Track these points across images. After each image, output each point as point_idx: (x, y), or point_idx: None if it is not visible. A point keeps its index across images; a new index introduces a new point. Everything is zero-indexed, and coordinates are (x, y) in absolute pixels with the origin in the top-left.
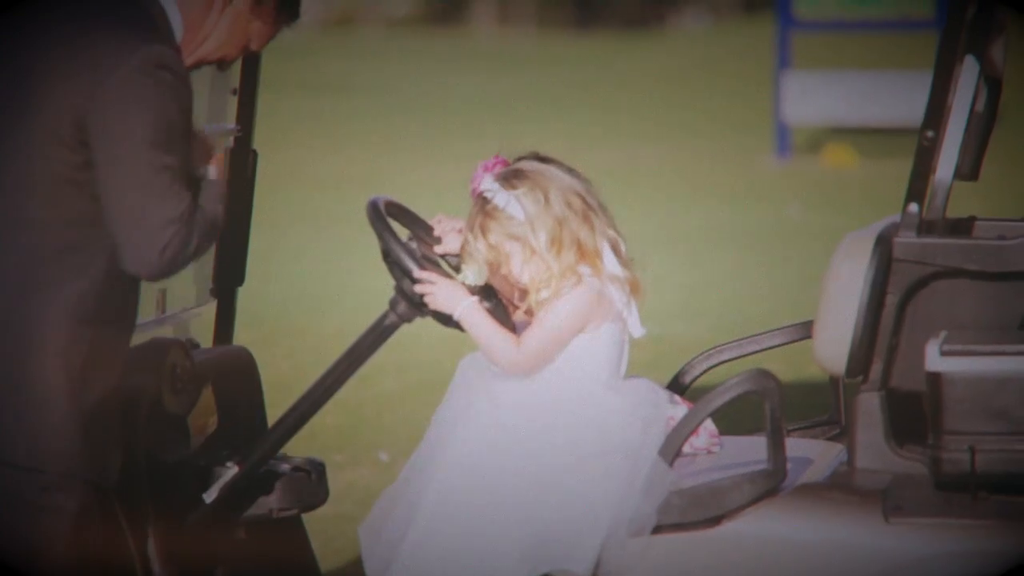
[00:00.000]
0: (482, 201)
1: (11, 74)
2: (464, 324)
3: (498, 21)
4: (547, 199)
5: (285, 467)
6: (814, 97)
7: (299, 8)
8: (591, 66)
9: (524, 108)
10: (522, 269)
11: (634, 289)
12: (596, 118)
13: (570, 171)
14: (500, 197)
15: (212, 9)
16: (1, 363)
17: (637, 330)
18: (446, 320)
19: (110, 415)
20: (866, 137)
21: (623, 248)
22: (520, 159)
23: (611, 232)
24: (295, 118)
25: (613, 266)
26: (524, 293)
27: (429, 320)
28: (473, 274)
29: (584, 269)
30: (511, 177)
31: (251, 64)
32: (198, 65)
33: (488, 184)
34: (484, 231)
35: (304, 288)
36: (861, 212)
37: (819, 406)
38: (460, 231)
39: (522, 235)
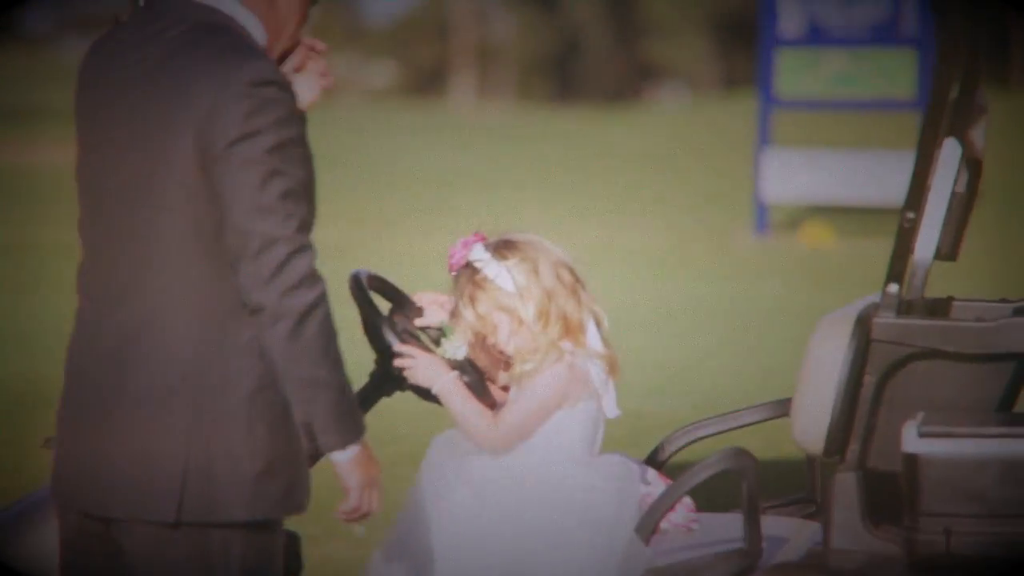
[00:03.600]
0: (472, 271)
1: (122, 125)
2: (442, 399)
3: (477, 93)
4: (537, 271)
5: None
6: (793, 175)
7: None
8: (569, 140)
9: (501, 182)
10: (509, 340)
11: (612, 368)
12: (574, 193)
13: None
14: (491, 268)
15: (279, 6)
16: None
17: (612, 411)
18: (425, 394)
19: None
20: (844, 216)
21: (605, 324)
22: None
23: (596, 308)
24: None
25: (596, 342)
26: (508, 367)
27: (408, 394)
28: (453, 348)
29: (567, 344)
30: (502, 247)
31: None
32: (282, 62)
33: (479, 254)
34: (473, 301)
35: None
36: (839, 290)
37: (795, 484)
38: (442, 305)
39: (511, 306)
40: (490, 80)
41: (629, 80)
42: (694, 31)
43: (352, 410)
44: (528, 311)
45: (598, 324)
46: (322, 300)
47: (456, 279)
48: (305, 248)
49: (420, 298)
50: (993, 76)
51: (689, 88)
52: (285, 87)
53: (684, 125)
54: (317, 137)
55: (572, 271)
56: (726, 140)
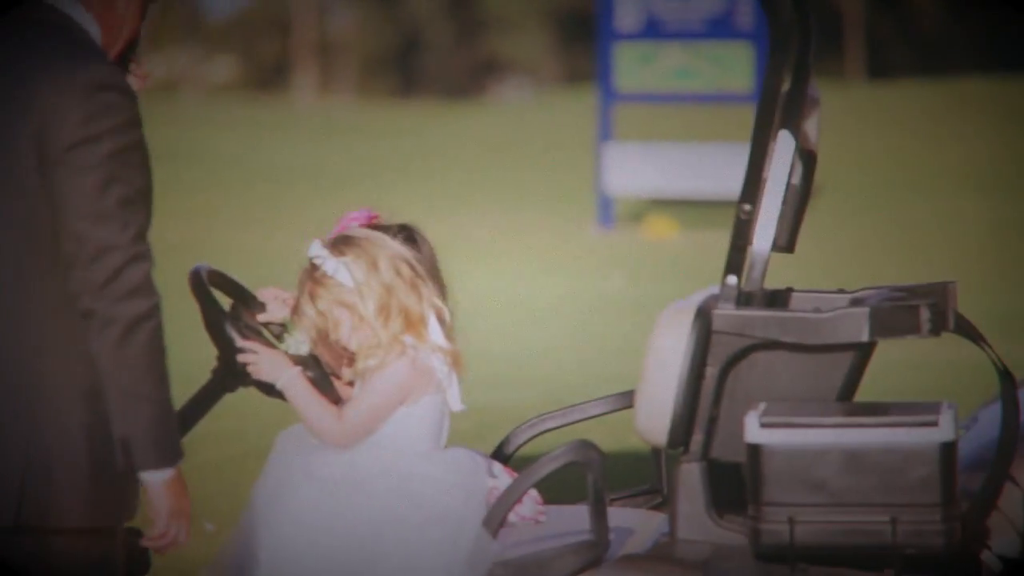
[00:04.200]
0: (311, 268)
1: None
2: (286, 394)
3: (319, 88)
4: (375, 266)
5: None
6: (635, 168)
7: None
8: (412, 135)
9: (345, 177)
10: (350, 336)
11: (456, 362)
12: (417, 188)
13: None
14: (329, 264)
15: (117, 5)
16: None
17: (456, 404)
18: (269, 390)
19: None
20: (687, 208)
21: (448, 319)
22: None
23: (437, 302)
24: None
25: (438, 336)
26: (351, 362)
27: (252, 389)
28: (296, 343)
29: (409, 339)
30: (340, 244)
31: None
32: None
33: (317, 250)
34: (313, 297)
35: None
36: (682, 282)
37: (642, 475)
38: (284, 300)
39: (351, 302)
40: (332, 75)
41: (472, 75)
42: (536, 26)
43: (172, 432)
44: (368, 307)
45: (440, 319)
46: (154, 312)
47: (299, 279)
48: (142, 257)
49: (262, 294)
50: (829, 69)
51: (532, 83)
52: (126, 91)
53: (527, 120)
54: (158, 132)
55: (411, 265)
56: (569, 134)
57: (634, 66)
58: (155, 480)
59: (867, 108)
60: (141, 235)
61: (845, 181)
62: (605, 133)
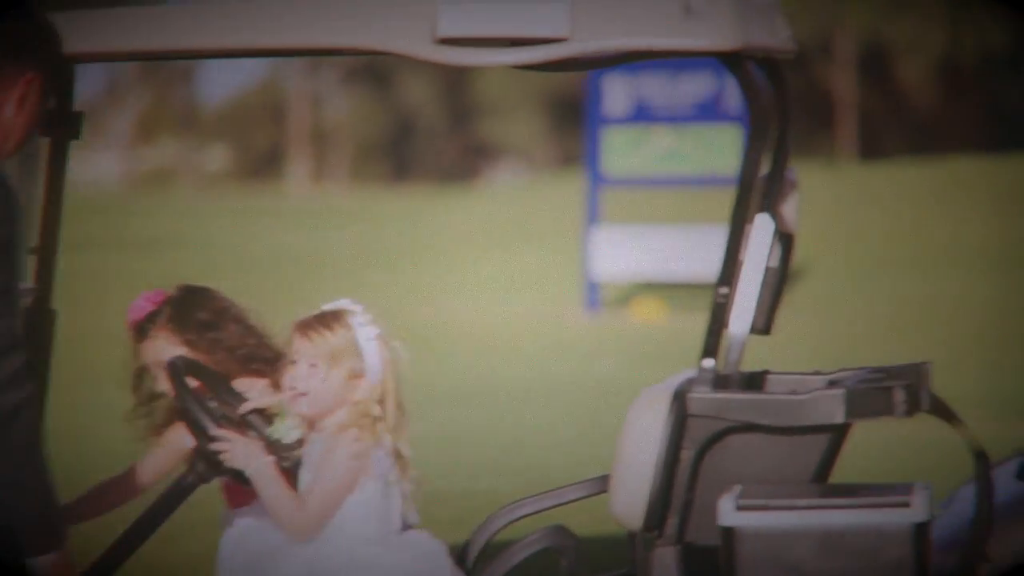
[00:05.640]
0: (341, 315)
1: None
2: (254, 483)
3: (313, 176)
4: (394, 362)
5: None
6: (623, 252)
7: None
8: (405, 221)
9: (338, 264)
10: (319, 392)
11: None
12: (407, 273)
13: None
14: (365, 331)
15: (3, 114)
16: None
17: (413, 517)
18: (241, 477)
19: None
20: (675, 291)
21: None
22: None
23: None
24: (103, 276)
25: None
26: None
27: None
28: (286, 429)
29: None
30: (377, 324)
31: (50, 222)
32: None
33: (361, 312)
34: (330, 330)
35: (109, 447)
36: (670, 365)
37: (619, 559)
38: (270, 388)
39: (356, 370)
40: (326, 162)
41: (466, 160)
42: (529, 110)
43: (54, 516)
44: (364, 387)
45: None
46: (28, 403)
47: (314, 330)
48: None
49: (239, 383)
50: (820, 150)
51: (526, 167)
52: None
53: (519, 204)
54: (152, 222)
55: (399, 386)
56: (559, 218)
57: (623, 150)
58: (42, 565)
59: (858, 189)
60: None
61: (835, 261)
62: (593, 217)
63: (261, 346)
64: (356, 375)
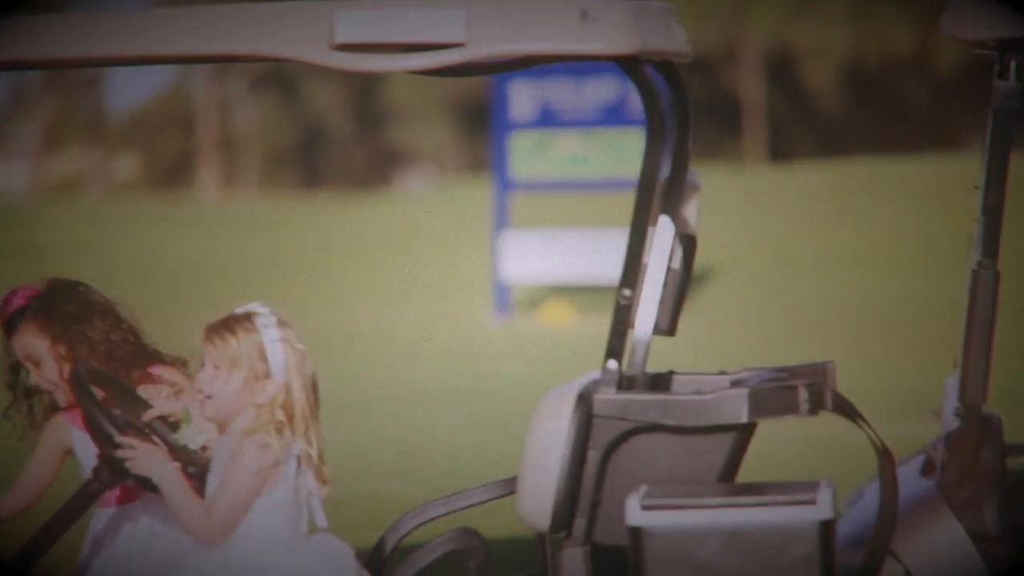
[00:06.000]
0: (246, 316)
1: None
2: (161, 489)
3: (223, 184)
4: (302, 363)
5: None
6: (531, 256)
7: None
8: (314, 228)
9: (247, 271)
10: (223, 394)
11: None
12: (317, 279)
13: None
14: (270, 332)
15: None
16: None
17: (321, 520)
18: (146, 483)
19: None
20: (583, 294)
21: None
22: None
23: (314, 438)
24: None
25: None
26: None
27: None
28: (192, 434)
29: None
30: (287, 326)
31: None
32: None
33: (266, 311)
34: (223, 339)
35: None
36: (579, 367)
37: (527, 561)
38: (175, 394)
39: (259, 372)
40: (235, 170)
41: (376, 166)
42: (439, 116)
43: None
44: (269, 389)
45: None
46: None
47: (217, 334)
48: None
49: (145, 390)
50: (729, 153)
51: (437, 173)
52: None
53: (428, 210)
54: (60, 231)
55: (316, 390)
56: (468, 223)
57: (530, 154)
58: None
59: (766, 191)
60: None
61: (743, 262)
62: (501, 221)
63: (126, 342)
64: (261, 377)
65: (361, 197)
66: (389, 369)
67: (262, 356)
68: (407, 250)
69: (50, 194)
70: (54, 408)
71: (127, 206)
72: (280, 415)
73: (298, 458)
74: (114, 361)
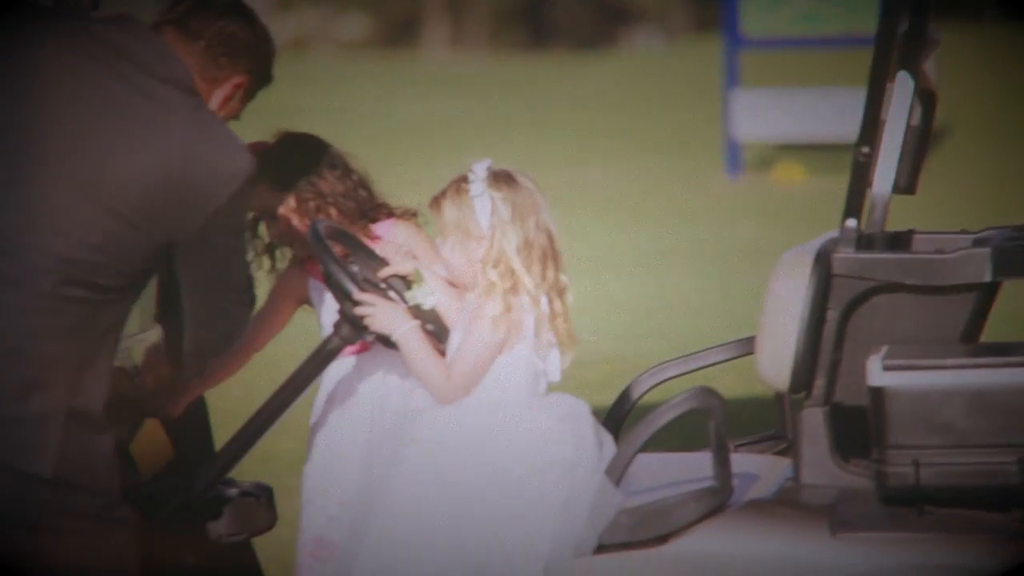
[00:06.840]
0: (461, 179)
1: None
2: (401, 347)
3: (451, 43)
4: (522, 219)
5: (233, 492)
6: (763, 115)
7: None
8: (543, 87)
9: (476, 131)
10: (448, 259)
11: (569, 342)
12: (547, 139)
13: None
14: (477, 187)
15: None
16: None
17: (556, 375)
18: (386, 341)
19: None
20: (815, 153)
21: (568, 297)
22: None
23: (562, 280)
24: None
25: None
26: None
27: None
28: (423, 294)
29: (506, 298)
30: (501, 178)
31: None
32: None
33: (478, 170)
34: (441, 204)
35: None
36: (811, 228)
37: (766, 421)
38: (411, 254)
39: (474, 233)
40: (463, 29)
41: (603, 26)
42: None
43: None
44: (481, 249)
45: (560, 297)
46: None
47: (436, 202)
48: None
49: (383, 248)
50: (969, 11)
51: (663, 31)
52: None
53: (656, 69)
54: (289, 90)
55: (551, 239)
56: (697, 83)
57: (760, 12)
58: None
59: (1000, 48)
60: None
61: (975, 121)
62: (732, 80)
63: (356, 193)
64: (475, 237)
65: (588, 56)
66: (620, 228)
67: (471, 216)
68: (636, 109)
69: (280, 53)
70: (295, 263)
71: (354, 65)
72: (505, 272)
73: (541, 314)
74: (344, 213)
